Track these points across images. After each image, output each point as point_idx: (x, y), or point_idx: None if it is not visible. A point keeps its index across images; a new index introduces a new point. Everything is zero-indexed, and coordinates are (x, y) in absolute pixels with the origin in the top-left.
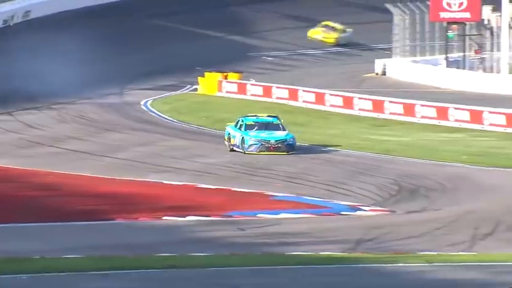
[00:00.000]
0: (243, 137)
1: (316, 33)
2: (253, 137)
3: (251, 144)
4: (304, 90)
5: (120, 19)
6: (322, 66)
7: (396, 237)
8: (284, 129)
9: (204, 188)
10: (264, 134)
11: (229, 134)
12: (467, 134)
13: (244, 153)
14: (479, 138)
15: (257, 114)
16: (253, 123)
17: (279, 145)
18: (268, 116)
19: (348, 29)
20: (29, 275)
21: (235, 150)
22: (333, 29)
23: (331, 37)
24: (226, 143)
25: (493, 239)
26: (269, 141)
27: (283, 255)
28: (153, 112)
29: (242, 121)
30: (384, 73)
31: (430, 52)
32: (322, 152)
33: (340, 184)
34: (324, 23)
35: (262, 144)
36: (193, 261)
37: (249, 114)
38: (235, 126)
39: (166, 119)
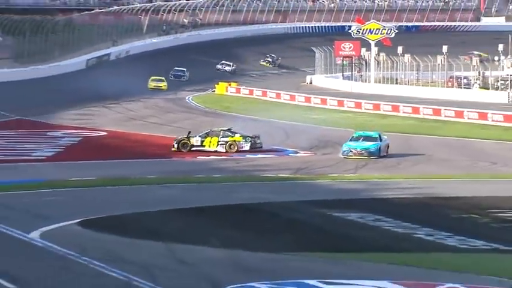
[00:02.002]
0: (343, 145)
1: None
2: (346, 145)
3: (343, 150)
4: (270, 91)
5: (179, 54)
6: (276, 79)
7: (317, 166)
8: (380, 141)
9: None
10: (355, 144)
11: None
12: (352, 114)
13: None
14: (359, 116)
15: (365, 131)
16: (359, 136)
17: (363, 152)
18: (373, 131)
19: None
20: (127, 186)
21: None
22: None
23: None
24: None
25: (365, 169)
26: (356, 149)
27: (259, 176)
28: (192, 103)
29: (353, 134)
30: (311, 82)
31: (334, 72)
32: (280, 124)
33: (287, 140)
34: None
35: (350, 151)
36: (214, 179)
37: (360, 130)
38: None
39: (199, 106)
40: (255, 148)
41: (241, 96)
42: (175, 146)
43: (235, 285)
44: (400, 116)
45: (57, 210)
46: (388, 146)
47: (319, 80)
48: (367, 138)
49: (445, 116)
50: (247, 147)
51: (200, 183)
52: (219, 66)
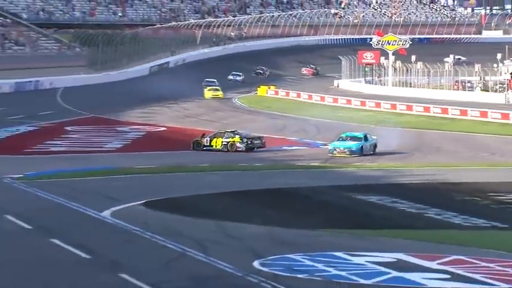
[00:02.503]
0: (330, 144)
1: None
2: (332, 144)
3: (330, 149)
4: (303, 93)
5: (226, 62)
6: (308, 83)
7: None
8: (365, 141)
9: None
10: (340, 143)
11: None
12: (373, 112)
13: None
14: (378, 114)
15: (353, 132)
16: (346, 136)
17: (345, 150)
18: (360, 132)
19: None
20: (183, 173)
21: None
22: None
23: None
24: None
25: (383, 159)
26: (340, 147)
27: (293, 164)
28: (238, 103)
29: (342, 134)
30: (338, 86)
31: (357, 77)
32: (312, 121)
33: (318, 135)
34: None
35: (335, 149)
36: (255, 167)
37: (348, 132)
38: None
39: (243, 106)
40: (251, 148)
41: (279, 98)
42: (192, 145)
43: (274, 256)
44: (414, 114)
45: (124, 193)
46: (375, 146)
47: (345, 83)
48: (353, 138)
49: (452, 114)
50: (243, 147)
51: (244, 171)
52: (230, 77)
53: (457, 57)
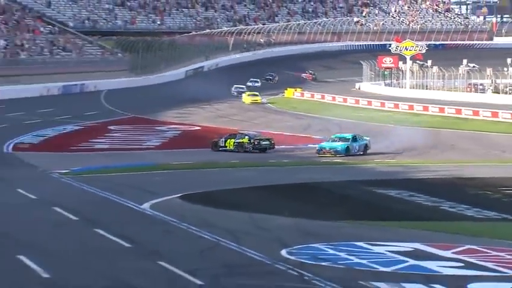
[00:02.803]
0: (318, 145)
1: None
2: (319, 145)
3: (317, 149)
4: (327, 95)
5: (256, 67)
6: (331, 86)
7: (366, 155)
8: (354, 141)
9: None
10: (327, 144)
11: None
12: (392, 113)
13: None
14: (396, 114)
15: (343, 133)
16: (335, 137)
17: (330, 151)
18: (350, 134)
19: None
20: (216, 168)
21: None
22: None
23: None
24: None
25: (402, 156)
26: (325, 148)
27: (318, 161)
28: (267, 104)
29: (332, 136)
30: (359, 88)
31: (377, 80)
32: (335, 120)
33: (341, 130)
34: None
35: (321, 150)
36: (282, 163)
37: (338, 133)
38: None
39: (272, 107)
40: (258, 149)
41: (305, 99)
42: (211, 146)
43: (300, 246)
44: (430, 115)
45: (162, 187)
46: (366, 146)
47: (365, 86)
48: (341, 139)
49: (465, 115)
50: (250, 148)
51: (272, 167)
52: (249, 84)
53: (471, 64)
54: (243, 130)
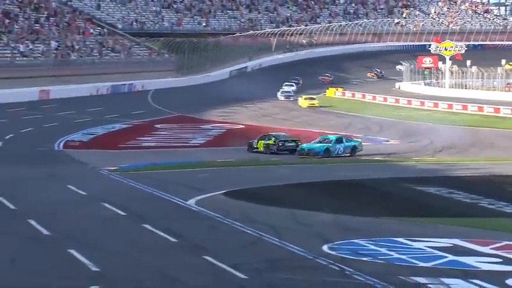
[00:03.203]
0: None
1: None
2: (300, 146)
3: (298, 150)
4: (368, 94)
5: (298, 67)
6: (372, 85)
7: (404, 151)
8: (337, 143)
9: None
10: (307, 145)
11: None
12: (431, 112)
13: None
14: (436, 113)
15: (328, 134)
16: (321, 138)
17: (309, 152)
18: (335, 135)
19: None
20: (259, 166)
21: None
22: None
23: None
24: None
25: (441, 154)
26: (305, 149)
27: (359, 159)
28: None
29: (319, 137)
30: (399, 88)
31: (417, 79)
32: (375, 119)
33: (380, 131)
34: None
35: (301, 150)
36: (322, 161)
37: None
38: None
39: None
40: (283, 150)
41: (346, 98)
42: (247, 147)
43: (341, 241)
44: (468, 113)
45: (207, 184)
46: (355, 148)
47: (405, 86)
48: (325, 141)
49: (504, 113)
50: (274, 149)
51: (313, 164)
52: (285, 88)
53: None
54: (272, 132)
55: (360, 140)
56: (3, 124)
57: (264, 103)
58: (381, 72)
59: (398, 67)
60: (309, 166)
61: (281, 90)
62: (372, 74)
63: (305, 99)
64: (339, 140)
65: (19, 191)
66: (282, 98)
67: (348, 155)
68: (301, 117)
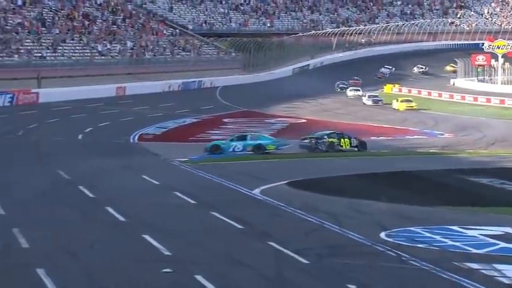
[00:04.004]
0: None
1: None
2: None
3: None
4: (423, 90)
5: (357, 65)
6: (428, 82)
7: (458, 144)
8: (239, 140)
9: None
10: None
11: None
12: (484, 107)
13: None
14: (489, 108)
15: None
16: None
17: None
18: (241, 134)
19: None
20: (320, 158)
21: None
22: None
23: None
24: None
25: (493, 146)
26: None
27: (415, 151)
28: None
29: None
30: (454, 84)
31: (471, 76)
32: (426, 112)
33: (435, 125)
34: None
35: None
36: (381, 153)
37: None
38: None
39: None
40: (318, 148)
41: (403, 94)
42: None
43: (398, 229)
44: None
45: (271, 174)
46: (259, 146)
47: (460, 82)
48: (238, 138)
49: None
50: (312, 146)
51: (372, 156)
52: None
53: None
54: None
55: (272, 138)
56: (83, 118)
57: (325, 99)
58: (425, 68)
59: (414, 69)
60: (368, 158)
61: (367, 95)
62: (354, 82)
63: (401, 102)
64: (241, 138)
65: (97, 180)
66: (370, 103)
67: (252, 152)
68: (359, 112)
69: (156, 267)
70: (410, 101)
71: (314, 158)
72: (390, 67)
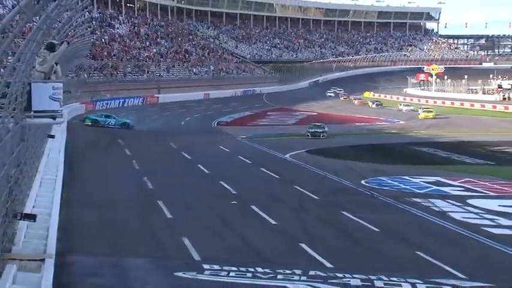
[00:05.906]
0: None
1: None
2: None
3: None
4: (388, 95)
5: (349, 81)
6: (392, 90)
7: (408, 128)
8: (105, 118)
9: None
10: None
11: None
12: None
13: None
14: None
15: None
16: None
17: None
18: (109, 113)
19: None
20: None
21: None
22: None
23: None
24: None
25: (430, 129)
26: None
27: (383, 132)
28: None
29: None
30: (406, 91)
31: (416, 86)
32: (389, 108)
33: (394, 116)
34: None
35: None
36: (362, 133)
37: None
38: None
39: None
40: (313, 135)
41: (378, 97)
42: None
43: (372, 178)
44: (448, 106)
45: (296, 146)
46: (125, 124)
47: (410, 90)
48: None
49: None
50: (309, 134)
51: (358, 135)
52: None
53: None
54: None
55: (129, 120)
56: (183, 113)
57: (327, 100)
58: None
59: (328, 93)
60: (365, 136)
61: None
62: (359, 101)
63: (423, 111)
64: (108, 116)
65: (193, 149)
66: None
67: (119, 127)
68: (352, 109)
69: (227, 200)
70: (431, 111)
71: (320, 139)
72: (341, 89)
